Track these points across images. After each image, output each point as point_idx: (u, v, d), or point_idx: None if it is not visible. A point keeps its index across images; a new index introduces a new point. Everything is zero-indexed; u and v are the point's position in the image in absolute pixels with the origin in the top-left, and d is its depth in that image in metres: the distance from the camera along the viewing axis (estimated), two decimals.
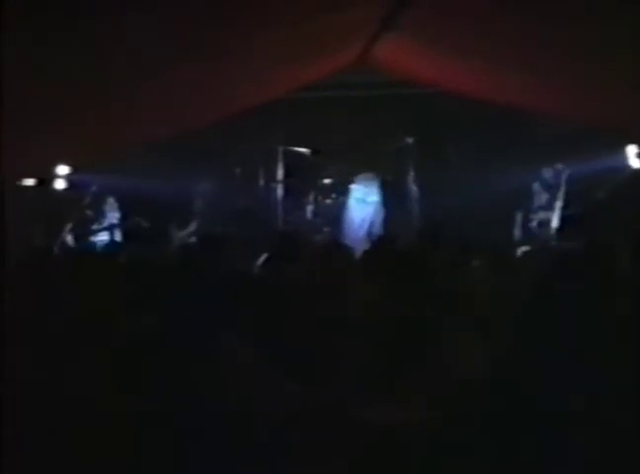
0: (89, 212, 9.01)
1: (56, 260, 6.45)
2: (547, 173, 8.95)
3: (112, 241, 8.86)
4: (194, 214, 9.67)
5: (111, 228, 9.07)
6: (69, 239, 8.56)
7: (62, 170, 8.12)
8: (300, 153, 9.78)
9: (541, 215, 8.89)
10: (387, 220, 9.66)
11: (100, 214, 9.10)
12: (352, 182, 9.77)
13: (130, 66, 5.17)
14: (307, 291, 4.48)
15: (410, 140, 9.75)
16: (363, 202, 9.58)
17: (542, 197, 8.96)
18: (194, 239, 8.73)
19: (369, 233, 9.39)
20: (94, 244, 8.74)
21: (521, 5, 5.07)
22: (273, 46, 6.29)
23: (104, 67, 4.95)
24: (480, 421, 3.40)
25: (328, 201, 9.94)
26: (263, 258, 5.71)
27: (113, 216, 9.15)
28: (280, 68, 7.54)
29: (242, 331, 3.86)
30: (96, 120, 6.31)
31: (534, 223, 8.95)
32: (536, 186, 9.09)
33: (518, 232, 8.97)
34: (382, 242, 6.39)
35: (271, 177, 9.99)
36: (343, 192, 9.84)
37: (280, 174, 9.92)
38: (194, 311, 4.01)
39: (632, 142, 7.81)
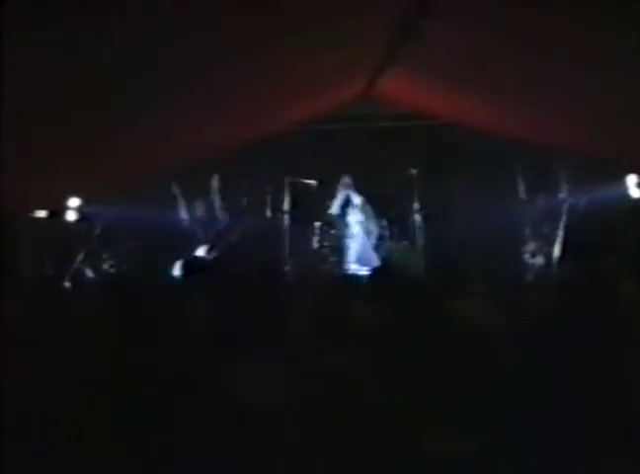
0: (99, 243, 9.12)
1: (67, 290, 6.55)
2: (549, 203, 9.05)
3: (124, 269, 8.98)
4: (202, 244, 9.74)
5: (122, 257, 9.19)
6: (81, 269, 8.66)
7: (73, 202, 8.24)
8: (307, 184, 9.89)
9: (543, 245, 8.97)
10: (391, 249, 9.73)
11: (111, 244, 9.21)
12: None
13: (141, 92, 5.23)
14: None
15: (414, 171, 9.86)
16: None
17: (544, 227, 9.05)
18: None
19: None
20: (106, 273, 8.86)
21: (524, 39, 5.21)
22: (284, 80, 6.44)
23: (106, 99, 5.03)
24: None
25: (333, 232, 10.00)
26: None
27: (124, 246, 9.26)
28: (290, 101, 7.69)
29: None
30: (108, 152, 6.41)
31: (536, 253, 9.02)
32: (538, 215, 9.19)
33: (519, 261, 9.04)
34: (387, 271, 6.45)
35: (278, 207, 10.09)
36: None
37: (286, 204, 10.04)
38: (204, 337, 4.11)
39: (632, 172, 7.90)
